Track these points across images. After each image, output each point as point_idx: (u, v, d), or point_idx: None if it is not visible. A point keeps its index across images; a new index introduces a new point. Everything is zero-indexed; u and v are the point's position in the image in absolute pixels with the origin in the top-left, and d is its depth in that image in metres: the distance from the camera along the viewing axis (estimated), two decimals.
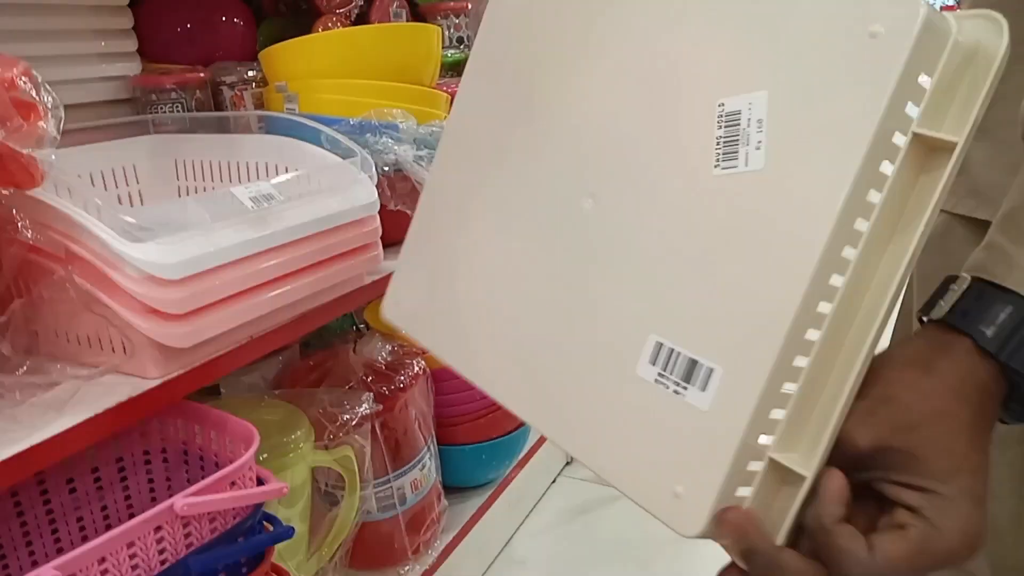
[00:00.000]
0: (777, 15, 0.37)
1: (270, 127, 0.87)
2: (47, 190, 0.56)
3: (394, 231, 0.84)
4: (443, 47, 1.08)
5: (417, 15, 1.33)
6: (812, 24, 0.36)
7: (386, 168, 0.82)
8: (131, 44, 0.94)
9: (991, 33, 0.36)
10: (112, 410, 0.55)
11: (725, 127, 0.37)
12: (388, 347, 1.08)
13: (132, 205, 0.86)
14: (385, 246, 0.79)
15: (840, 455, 0.36)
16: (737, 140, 0.37)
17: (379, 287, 0.82)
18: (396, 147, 0.83)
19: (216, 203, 0.63)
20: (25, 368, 0.56)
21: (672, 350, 0.38)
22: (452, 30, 1.33)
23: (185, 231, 0.59)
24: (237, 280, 0.62)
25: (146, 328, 0.57)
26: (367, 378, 1.02)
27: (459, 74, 1.37)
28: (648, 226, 0.40)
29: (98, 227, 0.56)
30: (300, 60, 0.89)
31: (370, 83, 0.88)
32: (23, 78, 0.47)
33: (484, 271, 0.47)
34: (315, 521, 0.92)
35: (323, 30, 1.10)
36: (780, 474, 0.37)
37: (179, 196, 0.89)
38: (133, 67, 0.95)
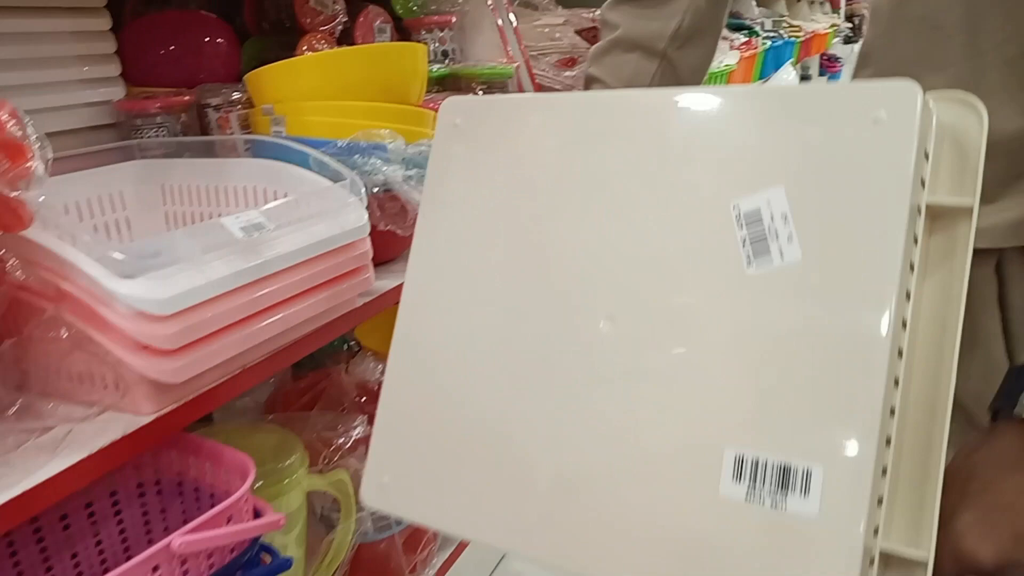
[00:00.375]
0: (776, 115, 0.38)
1: (257, 150, 0.86)
2: (35, 227, 0.55)
3: (384, 251, 0.83)
4: (428, 61, 1.07)
5: (401, 30, 1.33)
6: (814, 118, 0.37)
7: (375, 189, 0.82)
8: (114, 69, 0.93)
9: (963, 107, 0.38)
10: (106, 449, 0.54)
11: (747, 227, 0.37)
12: (380, 367, 1.08)
13: (119, 232, 0.85)
14: (376, 266, 0.79)
15: (961, 571, 0.34)
16: (764, 237, 0.37)
17: (371, 308, 0.81)
18: (385, 168, 0.83)
19: (206, 234, 0.62)
20: (16, 407, 0.56)
21: (756, 460, 0.34)
22: (437, 44, 1.33)
23: (175, 264, 0.58)
24: (229, 312, 0.61)
25: (138, 364, 0.56)
26: (360, 399, 1.01)
27: (444, 89, 1.37)
28: (690, 336, 0.38)
29: (87, 264, 0.55)
30: (286, 82, 0.89)
31: (357, 104, 0.87)
32: (10, 119, 0.46)
33: (490, 425, 0.43)
34: (312, 545, 0.91)
35: (308, 49, 1.09)
36: (884, 562, 0.34)
37: (167, 222, 0.88)
38: (117, 92, 0.93)
